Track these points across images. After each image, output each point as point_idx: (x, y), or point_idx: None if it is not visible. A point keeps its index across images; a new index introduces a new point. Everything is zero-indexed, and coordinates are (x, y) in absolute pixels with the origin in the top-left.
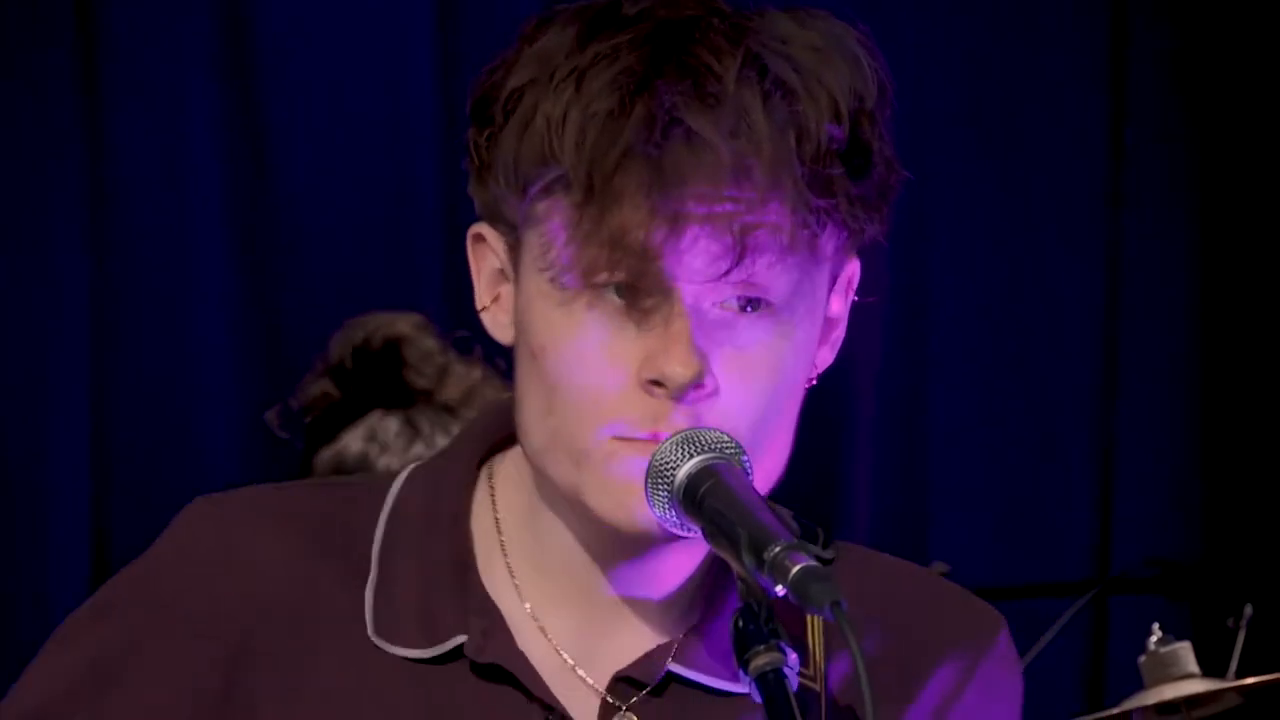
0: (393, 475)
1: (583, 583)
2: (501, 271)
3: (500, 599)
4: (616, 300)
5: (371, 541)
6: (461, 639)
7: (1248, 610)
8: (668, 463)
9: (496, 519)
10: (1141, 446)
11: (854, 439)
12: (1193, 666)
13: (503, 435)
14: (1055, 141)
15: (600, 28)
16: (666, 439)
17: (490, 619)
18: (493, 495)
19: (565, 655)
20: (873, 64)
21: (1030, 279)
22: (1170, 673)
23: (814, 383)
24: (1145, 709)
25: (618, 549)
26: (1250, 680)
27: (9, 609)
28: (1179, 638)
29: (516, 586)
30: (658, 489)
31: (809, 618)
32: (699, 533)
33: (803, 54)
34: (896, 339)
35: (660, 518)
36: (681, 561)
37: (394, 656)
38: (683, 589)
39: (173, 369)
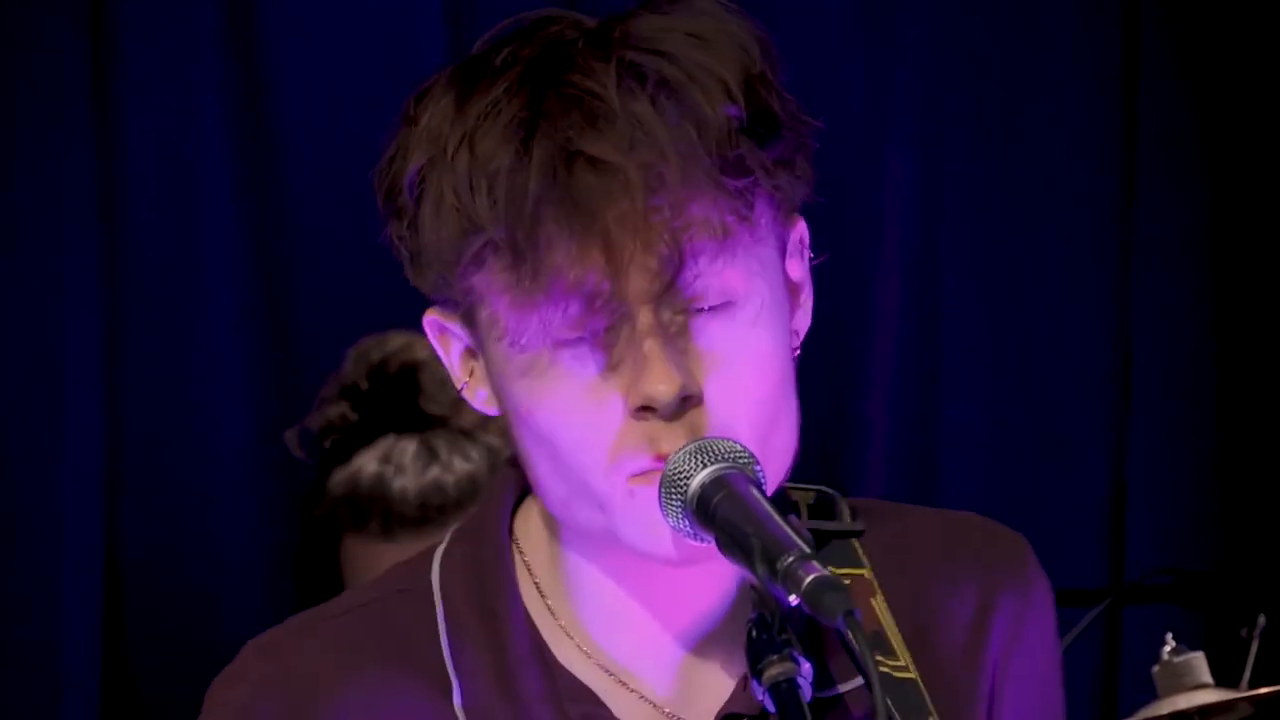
0: (422, 569)
1: (645, 625)
2: (469, 350)
3: (576, 669)
4: (581, 345)
5: (440, 650)
6: None
7: (1261, 620)
8: (681, 473)
9: (536, 585)
10: (1155, 455)
11: (865, 446)
12: (1206, 677)
13: (519, 494)
14: (1066, 146)
15: (473, 85)
16: (680, 450)
17: (584, 700)
18: (525, 563)
19: (660, 705)
20: (745, 26)
21: (1042, 285)
22: (1184, 683)
23: (798, 351)
24: (1159, 719)
25: (664, 576)
26: (1264, 690)
27: (21, 614)
28: (1193, 648)
29: (585, 652)
30: (671, 499)
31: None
32: (712, 542)
33: (676, 45)
34: (908, 345)
35: (674, 527)
36: (735, 588)
37: None
38: (740, 597)
39: (183, 373)
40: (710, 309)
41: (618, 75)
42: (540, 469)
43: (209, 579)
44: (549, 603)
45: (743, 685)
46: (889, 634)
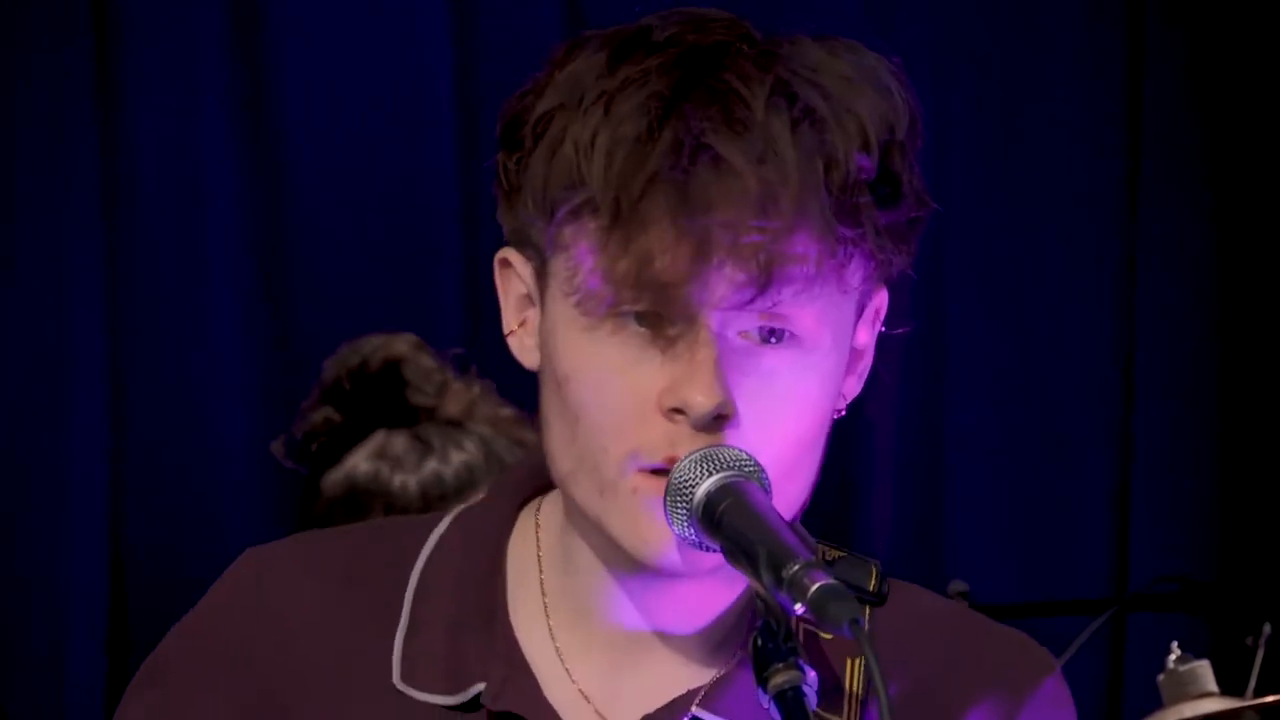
0: (439, 517)
1: (610, 618)
2: (528, 297)
3: (530, 641)
4: (640, 328)
5: (405, 587)
6: (480, 686)
7: (1266, 628)
8: (686, 480)
9: (539, 557)
10: (1159, 463)
11: (871, 456)
12: (1211, 685)
13: (548, 478)
14: (1070, 150)
15: (629, 52)
16: (686, 457)
17: (512, 665)
18: (538, 534)
19: (589, 698)
20: (903, 95)
21: (1045, 290)
22: (1189, 691)
23: (842, 413)
24: None
25: (644, 580)
26: (1269, 699)
27: (26, 615)
28: (1198, 656)
29: (550, 626)
30: (676, 507)
31: (849, 662)
32: (719, 550)
33: (833, 82)
34: (914, 355)
35: (679, 535)
36: (712, 596)
37: (420, 703)
38: (715, 627)
39: (186, 374)
40: (773, 341)
41: (770, 89)
42: (555, 435)
43: (213, 579)
44: (543, 576)
45: (677, 703)
46: (846, 688)
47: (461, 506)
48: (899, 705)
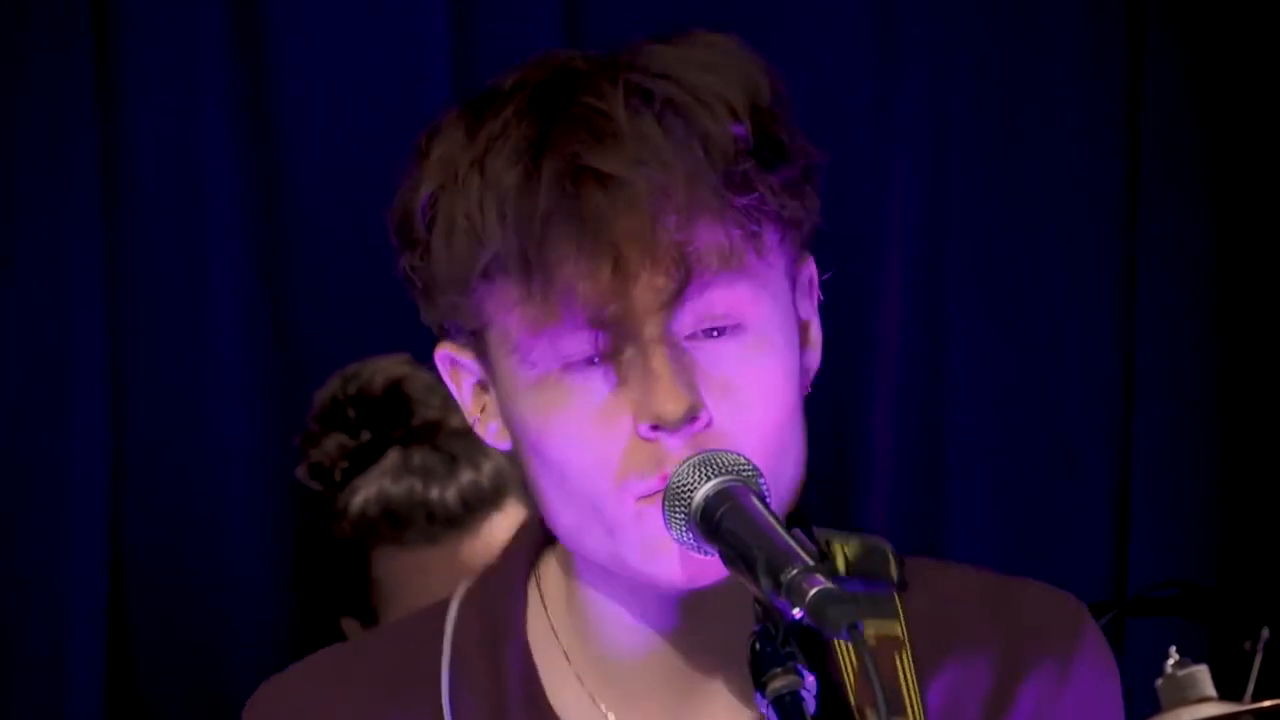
0: (445, 604)
1: (651, 669)
2: (480, 384)
3: (570, 709)
4: (590, 366)
5: (439, 685)
6: None
7: (1265, 633)
8: (685, 485)
9: (552, 627)
10: (1159, 468)
11: (869, 457)
12: (1210, 690)
13: (544, 539)
14: (1070, 155)
15: (482, 113)
16: (684, 462)
17: None
18: (544, 603)
19: None
20: (758, 63)
21: (1046, 295)
22: (1187, 696)
23: (809, 389)
24: None
25: (674, 616)
26: (1267, 703)
27: (25, 617)
28: (1196, 660)
29: (590, 694)
30: (675, 511)
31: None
32: (717, 555)
33: (683, 70)
34: (911, 356)
35: (679, 540)
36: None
37: None
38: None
39: (187, 375)
40: (719, 332)
41: (625, 95)
42: (549, 497)
43: (213, 582)
44: (563, 642)
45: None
46: (906, 694)
47: (464, 587)
48: (959, 685)
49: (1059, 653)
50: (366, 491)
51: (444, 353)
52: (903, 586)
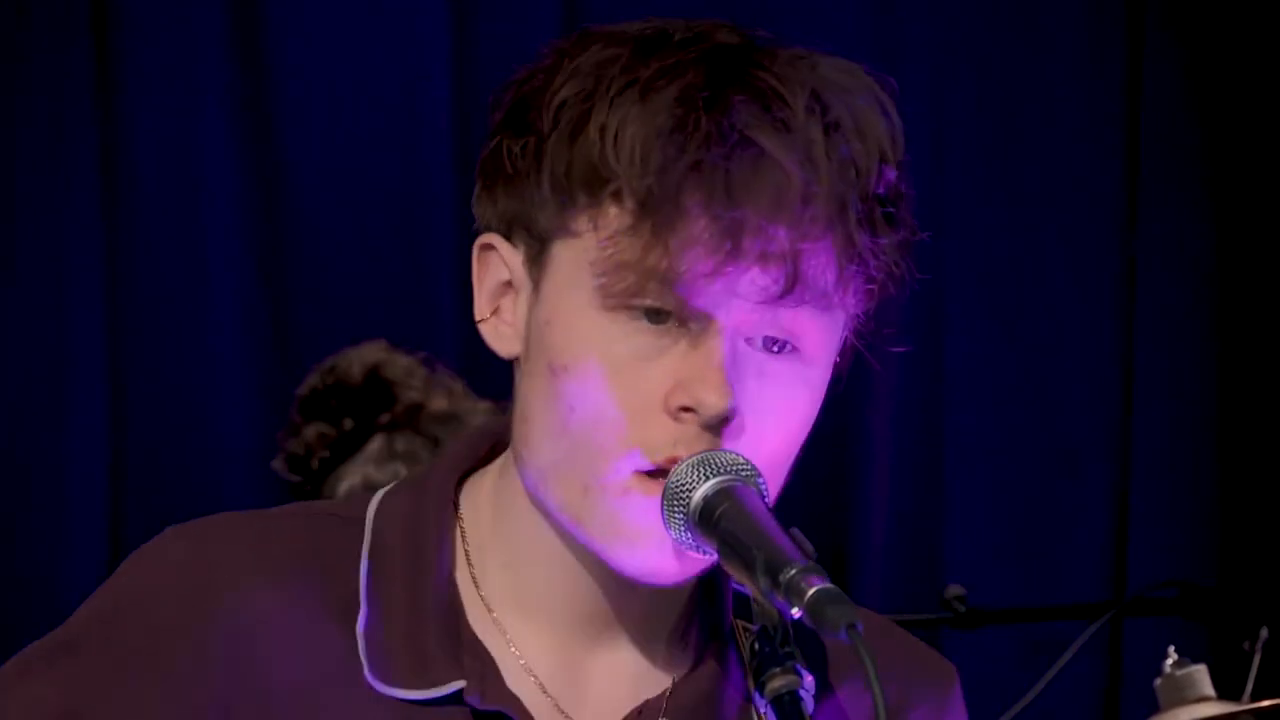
0: (365, 501)
1: (563, 619)
2: (508, 284)
3: (482, 635)
4: (651, 324)
5: (357, 576)
6: (460, 684)
7: (1264, 633)
8: (684, 484)
9: (466, 549)
10: (1158, 469)
11: (869, 459)
12: (1208, 690)
13: (475, 461)
14: (1070, 157)
15: (655, 46)
16: (683, 461)
17: (483, 662)
18: (461, 525)
19: (553, 697)
20: (900, 125)
21: (1045, 296)
22: (1186, 696)
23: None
24: None
25: (608, 585)
26: (1266, 703)
27: (25, 617)
28: (1195, 660)
29: (496, 622)
30: (674, 510)
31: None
32: (715, 554)
33: (855, 98)
34: (912, 358)
35: (676, 539)
36: (667, 603)
37: (390, 698)
38: (669, 625)
39: (188, 372)
40: (779, 349)
41: (808, 94)
42: (541, 428)
43: None
44: (474, 571)
45: (646, 709)
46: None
47: (383, 491)
48: (850, 707)
49: (939, 704)
50: (351, 479)
51: (488, 240)
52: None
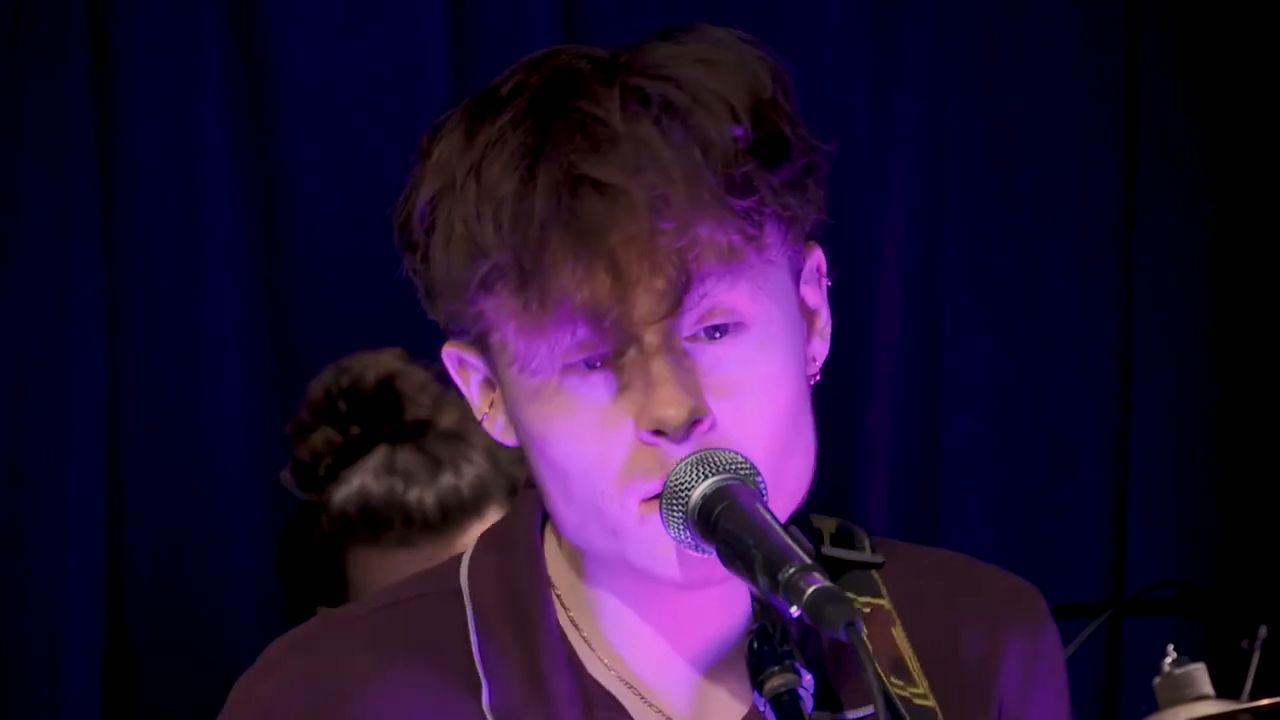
0: (453, 572)
1: (661, 646)
2: (487, 381)
3: (608, 686)
4: (590, 370)
5: (469, 650)
6: None
7: (1262, 632)
8: (683, 484)
9: (558, 597)
10: (1156, 468)
11: (867, 458)
12: (1207, 688)
13: (543, 512)
14: (1068, 161)
15: (481, 117)
16: (681, 461)
17: (610, 707)
18: (550, 577)
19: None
20: (759, 55)
21: (1043, 299)
22: (1185, 694)
23: (817, 378)
24: None
25: (677, 600)
26: (1265, 702)
27: (24, 621)
28: (1194, 659)
29: (606, 665)
30: (673, 510)
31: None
32: (714, 553)
33: (682, 70)
34: (910, 358)
35: (676, 539)
36: (746, 614)
37: None
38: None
39: (186, 374)
40: (719, 332)
41: (622, 100)
42: (554, 496)
43: (209, 582)
44: (571, 615)
45: (755, 711)
46: (908, 661)
47: (468, 555)
48: (946, 653)
49: (1028, 633)
50: (348, 488)
51: (451, 350)
52: (879, 564)
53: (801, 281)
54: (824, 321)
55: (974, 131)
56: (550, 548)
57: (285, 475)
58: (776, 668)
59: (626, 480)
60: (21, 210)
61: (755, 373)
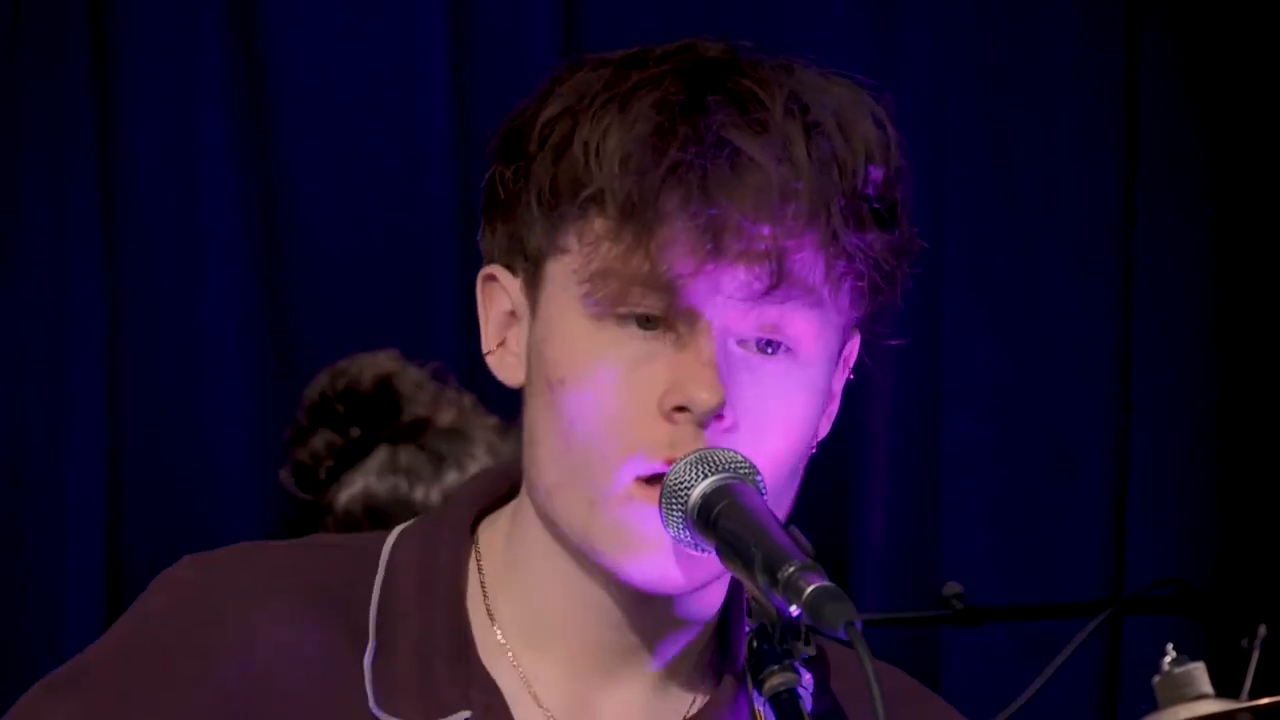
0: (381, 537)
1: (576, 650)
2: (512, 313)
3: (494, 669)
4: (642, 331)
5: (367, 608)
6: (466, 714)
7: (1262, 631)
8: (682, 482)
9: (482, 582)
10: (1156, 466)
11: (868, 459)
12: (1207, 687)
13: (493, 499)
14: (1068, 161)
15: (636, 63)
16: (681, 459)
17: (491, 694)
18: (478, 560)
19: None
20: (895, 133)
21: (1043, 299)
22: (1184, 693)
23: (814, 450)
24: None
25: (618, 609)
26: (1264, 701)
27: (25, 618)
28: (1193, 658)
29: (509, 655)
30: (672, 509)
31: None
32: (713, 552)
33: (840, 101)
34: (911, 358)
35: (675, 537)
36: (680, 632)
37: None
38: (682, 659)
39: (186, 374)
40: (771, 348)
41: (785, 96)
42: (546, 448)
43: None
44: (489, 604)
45: None
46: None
47: (401, 528)
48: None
49: None
50: (352, 489)
51: (490, 271)
52: (816, 659)
53: (838, 361)
54: (833, 408)
55: (974, 131)
56: (494, 531)
57: (284, 476)
58: (776, 666)
59: (632, 449)
60: (21, 210)
61: (787, 400)
